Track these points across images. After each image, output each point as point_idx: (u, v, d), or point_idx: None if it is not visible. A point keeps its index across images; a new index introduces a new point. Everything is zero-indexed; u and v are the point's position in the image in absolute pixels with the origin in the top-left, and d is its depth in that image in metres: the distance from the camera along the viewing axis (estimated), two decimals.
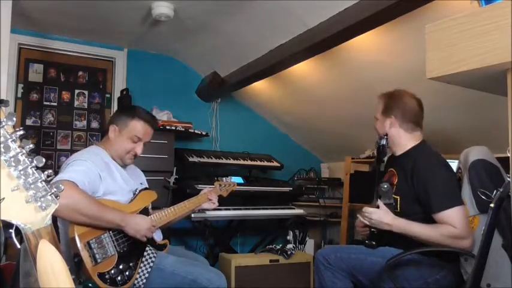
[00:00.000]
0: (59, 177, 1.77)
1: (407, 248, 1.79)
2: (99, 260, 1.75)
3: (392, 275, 1.76)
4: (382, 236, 1.88)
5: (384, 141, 1.94)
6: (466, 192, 1.88)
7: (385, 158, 2.04)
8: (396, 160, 2.04)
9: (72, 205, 1.69)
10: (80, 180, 1.77)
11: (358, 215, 1.99)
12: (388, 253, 1.80)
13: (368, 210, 1.87)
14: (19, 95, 3.44)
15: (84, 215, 1.72)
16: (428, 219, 1.80)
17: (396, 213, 1.87)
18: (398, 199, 1.92)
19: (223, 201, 2.68)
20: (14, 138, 0.78)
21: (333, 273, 1.94)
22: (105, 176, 1.93)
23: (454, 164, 2.10)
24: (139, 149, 2.06)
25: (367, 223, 1.88)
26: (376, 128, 2.11)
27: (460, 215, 1.74)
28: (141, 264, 1.88)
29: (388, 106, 2.05)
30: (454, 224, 1.72)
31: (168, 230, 2.31)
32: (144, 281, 1.85)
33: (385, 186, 1.87)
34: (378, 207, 1.86)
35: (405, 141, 2.01)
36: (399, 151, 2.02)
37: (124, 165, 2.12)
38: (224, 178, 2.75)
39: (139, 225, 1.87)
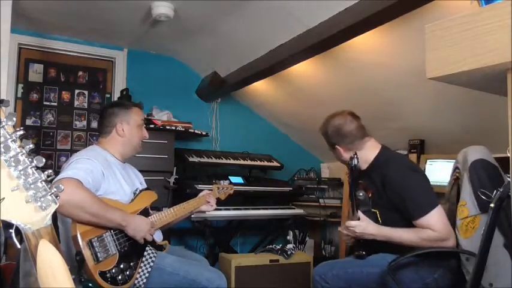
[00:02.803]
0: (63, 174, 1.77)
1: (397, 252, 1.81)
2: (100, 259, 1.75)
3: (395, 278, 1.76)
4: (368, 245, 1.91)
5: (355, 161, 1.95)
6: (467, 192, 1.88)
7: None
8: (364, 173, 2.03)
9: (76, 202, 1.69)
10: (84, 177, 1.78)
11: (339, 229, 2.02)
12: (382, 260, 1.81)
13: (351, 224, 1.89)
14: (19, 95, 3.44)
15: (87, 213, 1.73)
16: (410, 224, 1.83)
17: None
18: (378, 213, 1.94)
19: (224, 201, 2.68)
20: (14, 138, 0.78)
21: None
22: (108, 175, 1.94)
23: (452, 164, 2.10)
24: (146, 132, 2.20)
25: (352, 235, 1.91)
26: (336, 158, 2.17)
27: (438, 217, 1.77)
28: (141, 264, 1.88)
29: (328, 140, 2.12)
30: (433, 227, 1.76)
31: (168, 230, 2.31)
32: (145, 280, 1.85)
33: (361, 194, 1.91)
34: (359, 219, 1.88)
35: (364, 156, 2.01)
36: (364, 166, 2.02)
37: (124, 165, 2.13)
38: (222, 181, 2.76)
39: (140, 227, 1.87)
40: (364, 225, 1.86)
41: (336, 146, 2.07)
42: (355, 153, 1.97)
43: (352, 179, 1.98)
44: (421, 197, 1.82)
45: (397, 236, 1.82)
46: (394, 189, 1.86)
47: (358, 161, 1.96)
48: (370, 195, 1.99)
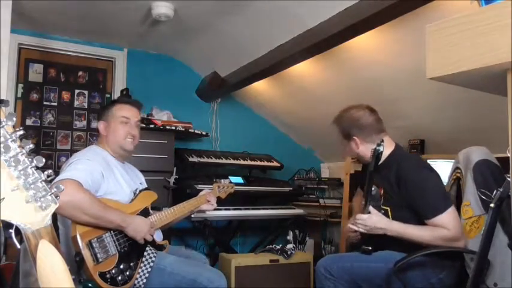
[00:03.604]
0: (62, 175, 1.77)
1: (402, 250, 1.80)
2: (100, 260, 1.75)
3: (401, 277, 1.76)
4: (374, 241, 1.88)
5: (381, 148, 1.82)
6: (471, 192, 1.88)
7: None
8: (376, 171, 1.97)
9: (75, 204, 1.69)
10: (83, 179, 1.78)
11: (349, 224, 1.95)
12: (390, 257, 1.80)
13: (362, 217, 1.85)
14: (19, 95, 3.44)
15: (86, 214, 1.73)
16: (420, 223, 1.82)
17: None
18: (389, 210, 1.91)
19: (224, 201, 2.68)
20: (14, 138, 0.78)
21: (335, 284, 1.89)
22: (107, 175, 1.94)
23: (451, 164, 2.10)
24: (133, 129, 2.09)
25: (362, 230, 1.87)
26: (346, 152, 2.11)
27: (452, 217, 1.77)
28: (141, 264, 1.88)
29: (344, 130, 2.05)
30: (447, 227, 1.75)
31: (168, 230, 2.31)
32: (145, 280, 1.85)
33: (373, 189, 1.87)
34: (369, 212, 1.86)
35: None
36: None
37: (123, 165, 2.13)
38: (222, 180, 2.76)
39: (140, 227, 1.87)
40: (375, 219, 1.84)
41: (354, 137, 2.01)
42: (382, 140, 1.85)
43: (375, 167, 1.86)
44: (436, 196, 1.81)
45: (409, 232, 1.80)
46: (410, 187, 1.84)
47: (383, 148, 1.83)
48: (381, 192, 1.95)
